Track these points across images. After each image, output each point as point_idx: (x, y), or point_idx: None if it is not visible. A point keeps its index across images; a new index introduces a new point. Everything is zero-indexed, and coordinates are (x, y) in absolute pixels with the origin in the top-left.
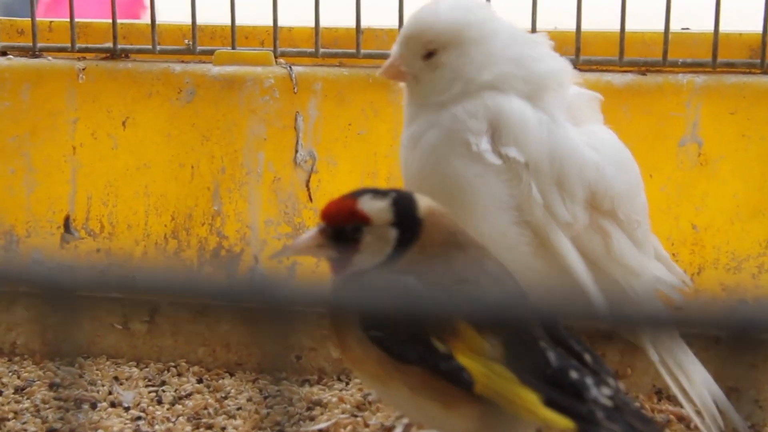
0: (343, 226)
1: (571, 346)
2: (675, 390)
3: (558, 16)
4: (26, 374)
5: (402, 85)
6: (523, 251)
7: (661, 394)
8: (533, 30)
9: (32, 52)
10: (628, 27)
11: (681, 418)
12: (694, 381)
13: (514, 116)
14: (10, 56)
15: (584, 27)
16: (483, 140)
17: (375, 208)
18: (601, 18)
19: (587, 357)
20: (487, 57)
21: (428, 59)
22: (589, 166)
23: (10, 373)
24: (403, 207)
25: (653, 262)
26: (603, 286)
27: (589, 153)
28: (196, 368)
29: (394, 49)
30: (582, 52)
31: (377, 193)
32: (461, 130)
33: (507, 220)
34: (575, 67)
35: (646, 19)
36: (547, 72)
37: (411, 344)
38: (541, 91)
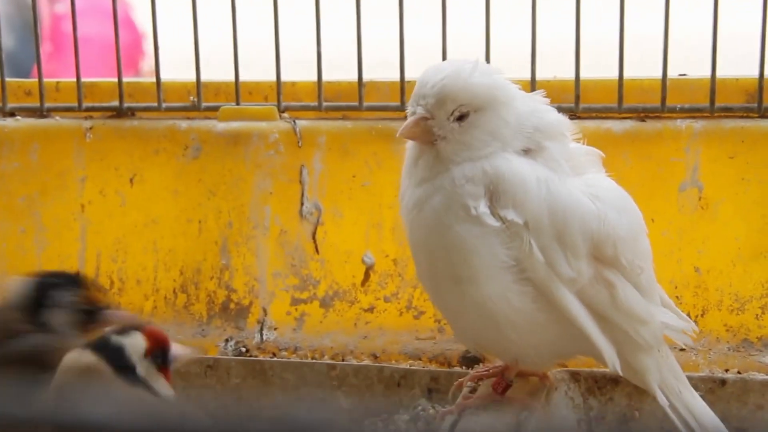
0: None
1: None
2: None
3: (556, 64)
4: None
5: (411, 146)
6: (526, 308)
7: None
8: (533, 79)
9: (40, 113)
10: (627, 74)
11: None
12: (703, 423)
13: (511, 178)
14: (18, 117)
15: (583, 75)
16: (481, 203)
17: None
18: (600, 66)
19: None
20: (516, 117)
21: (459, 121)
22: (590, 216)
23: None
24: None
25: (660, 309)
26: (611, 336)
27: (589, 203)
28: None
29: (417, 111)
30: (581, 99)
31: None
32: (460, 194)
33: (509, 279)
34: (575, 115)
35: (644, 66)
36: (555, 121)
37: None
38: (548, 140)
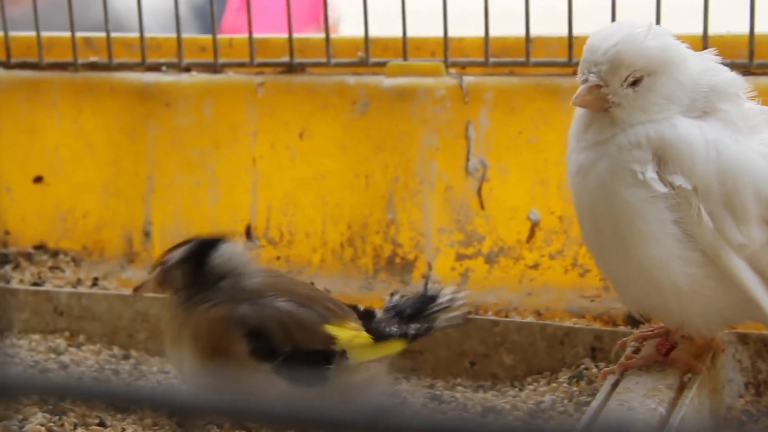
0: None
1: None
2: None
3: (729, 19)
4: None
5: (581, 111)
6: (692, 273)
7: None
8: (705, 34)
9: (214, 68)
10: None
11: None
12: None
13: (678, 144)
14: (194, 72)
15: (757, 29)
16: (649, 169)
17: None
18: None
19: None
20: (691, 78)
21: (633, 86)
22: (764, 178)
23: None
24: None
25: None
26: None
27: (763, 164)
28: None
29: (590, 78)
30: (755, 55)
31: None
32: (627, 160)
33: (676, 244)
34: (749, 71)
35: None
36: (729, 80)
37: None
38: (722, 101)
